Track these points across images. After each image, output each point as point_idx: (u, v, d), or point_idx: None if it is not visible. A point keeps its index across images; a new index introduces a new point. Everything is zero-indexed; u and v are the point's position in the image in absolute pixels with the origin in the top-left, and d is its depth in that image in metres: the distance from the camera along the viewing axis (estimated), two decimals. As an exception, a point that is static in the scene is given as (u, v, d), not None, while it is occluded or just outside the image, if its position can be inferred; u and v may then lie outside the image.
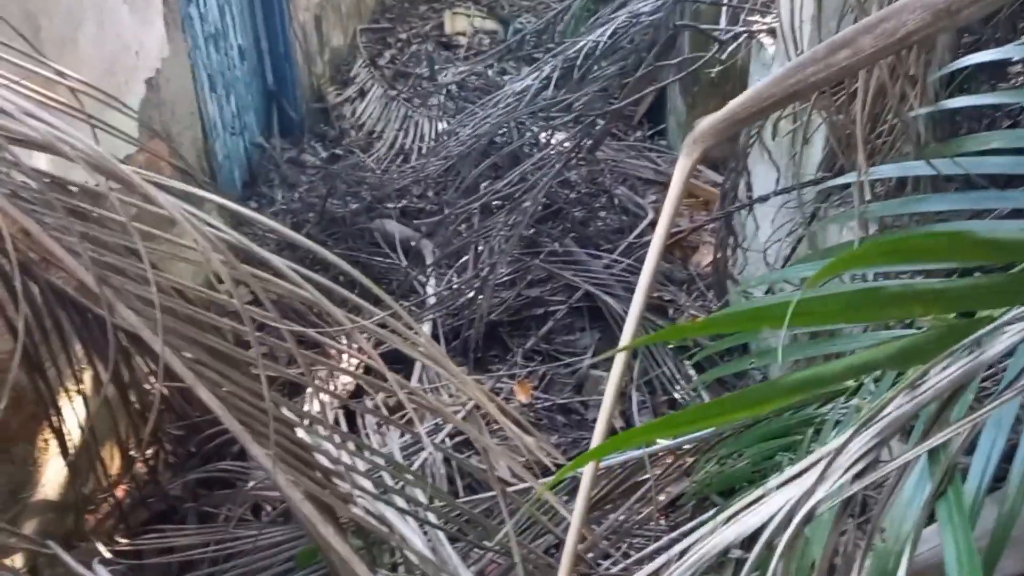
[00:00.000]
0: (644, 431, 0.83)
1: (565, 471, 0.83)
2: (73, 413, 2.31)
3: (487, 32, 6.79)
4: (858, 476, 0.88)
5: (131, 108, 2.83)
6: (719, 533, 0.95)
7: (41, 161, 1.92)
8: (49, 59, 1.56)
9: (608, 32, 3.32)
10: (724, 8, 3.65)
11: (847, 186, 2.48)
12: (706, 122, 1.19)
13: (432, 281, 3.55)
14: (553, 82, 3.20)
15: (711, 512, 1.41)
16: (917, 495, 0.89)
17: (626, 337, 0.96)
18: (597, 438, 0.95)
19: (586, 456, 0.86)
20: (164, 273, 1.79)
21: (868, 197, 1.45)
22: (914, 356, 0.84)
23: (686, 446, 2.07)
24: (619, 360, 0.95)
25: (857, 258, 0.75)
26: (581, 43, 3.38)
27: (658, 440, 2.16)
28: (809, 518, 0.86)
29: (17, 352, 1.55)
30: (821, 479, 0.84)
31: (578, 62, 3.15)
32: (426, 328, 3.14)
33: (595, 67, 3.10)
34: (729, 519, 0.97)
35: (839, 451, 0.83)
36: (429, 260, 3.60)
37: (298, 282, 1.32)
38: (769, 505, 0.93)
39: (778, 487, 0.95)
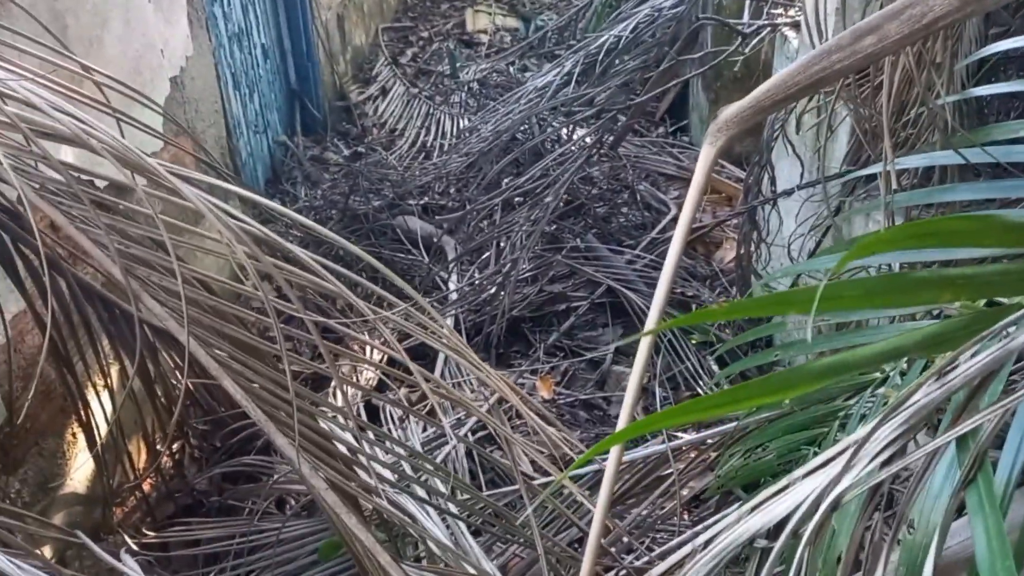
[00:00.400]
0: (670, 414, 0.83)
1: (592, 452, 0.83)
2: (100, 407, 2.34)
3: (508, 30, 6.79)
4: (886, 464, 0.87)
5: (157, 105, 2.86)
6: (745, 522, 0.94)
7: (67, 155, 1.94)
8: (76, 57, 1.57)
9: (630, 27, 3.31)
10: (747, 1, 3.62)
11: (872, 180, 2.46)
12: (730, 110, 1.18)
13: (454, 277, 3.55)
14: (575, 78, 3.19)
15: (737, 506, 1.40)
16: (946, 485, 0.88)
17: (651, 322, 0.95)
18: (623, 421, 0.95)
19: (612, 439, 0.86)
20: (189, 266, 1.81)
21: (894, 188, 1.44)
22: (943, 343, 0.83)
23: (709, 440, 2.07)
24: (644, 344, 0.94)
25: (886, 241, 0.74)
26: (603, 38, 3.37)
27: (681, 435, 2.15)
28: (836, 506, 0.85)
29: (44, 347, 1.56)
30: (849, 466, 0.83)
31: (600, 57, 3.14)
32: (448, 324, 3.14)
33: (617, 62, 3.09)
34: (755, 508, 0.97)
35: (867, 438, 0.82)
36: (451, 256, 3.60)
37: (323, 275, 1.33)
38: (795, 493, 0.92)
39: (804, 476, 0.94)
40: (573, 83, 3.24)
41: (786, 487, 0.96)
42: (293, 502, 2.55)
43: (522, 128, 3.76)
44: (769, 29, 3.43)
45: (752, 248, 3.08)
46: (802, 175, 2.89)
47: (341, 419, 2.19)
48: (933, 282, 0.75)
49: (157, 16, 2.98)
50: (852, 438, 0.90)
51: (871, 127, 1.84)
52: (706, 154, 1.17)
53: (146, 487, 2.57)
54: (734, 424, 1.76)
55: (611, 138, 3.36)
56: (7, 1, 2.10)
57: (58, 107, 1.34)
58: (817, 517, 0.86)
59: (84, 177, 1.66)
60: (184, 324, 1.32)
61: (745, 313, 0.92)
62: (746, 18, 3.61)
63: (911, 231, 0.78)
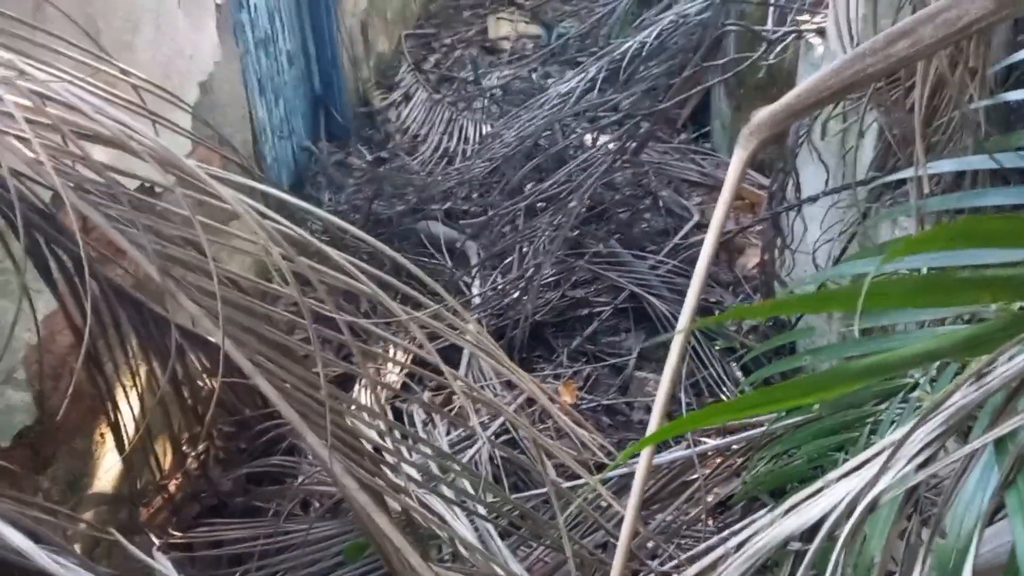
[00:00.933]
0: (705, 415, 0.83)
1: (626, 455, 0.84)
2: (129, 408, 2.37)
3: (530, 37, 6.82)
4: (922, 466, 0.87)
5: (188, 107, 2.90)
6: (779, 524, 0.94)
7: (100, 156, 1.97)
8: (114, 60, 1.60)
9: (654, 33, 3.31)
10: (771, 8, 3.62)
11: (899, 186, 2.45)
12: (763, 113, 1.18)
13: (477, 282, 3.57)
14: (598, 84, 3.19)
15: (765, 510, 1.40)
16: (981, 488, 0.87)
17: (684, 321, 0.95)
18: (655, 421, 0.95)
19: (644, 441, 0.86)
20: (223, 266, 1.83)
21: (924, 193, 1.43)
22: (980, 345, 0.83)
23: (735, 446, 2.06)
24: (677, 343, 0.95)
25: (926, 241, 0.74)
26: (627, 44, 3.38)
27: (707, 440, 2.15)
28: (872, 508, 0.85)
29: (82, 354, 1.59)
30: (885, 468, 0.83)
31: (624, 64, 3.14)
32: (474, 326, 3.15)
33: (641, 68, 3.09)
34: (789, 510, 0.97)
35: (904, 440, 0.82)
36: (474, 261, 3.61)
37: (357, 276, 1.34)
38: (830, 495, 0.92)
39: (839, 478, 0.94)
40: (597, 89, 3.25)
41: (820, 489, 0.96)
42: (318, 504, 2.56)
43: (545, 134, 3.77)
44: (794, 36, 3.43)
45: (776, 254, 3.07)
46: (827, 181, 2.89)
47: (369, 419, 2.21)
48: (974, 283, 0.76)
49: (187, 22, 3.02)
50: (888, 440, 0.90)
51: (900, 132, 1.83)
52: (738, 158, 1.18)
53: (172, 487, 2.59)
54: (761, 429, 1.76)
55: (634, 144, 3.36)
56: (43, 4, 2.14)
57: (99, 109, 1.36)
58: (853, 520, 0.86)
59: (118, 178, 1.68)
60: (219, 325, 1.33)
61: (787, 310, 0.92)
62: (770, 25, 3.61)
63: (947, 232, 0.78)
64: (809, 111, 1.20)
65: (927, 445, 0.84)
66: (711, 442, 2.12)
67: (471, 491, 1.93)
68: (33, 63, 1.41)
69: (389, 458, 1.56)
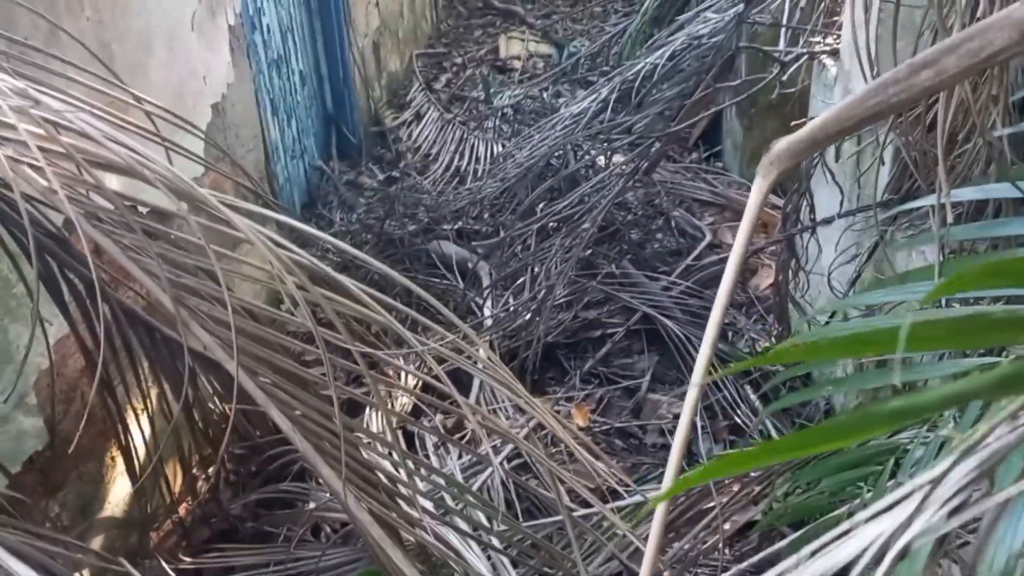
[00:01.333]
0: (733, 461, 0.80)
1: (645, 513, 0.81)
2: (140, 431, 2.35)
3: (541, 56, 6.83)
4: (954, 512, 0.85)
5: (200, 132, 2.90)
6: (805, 568, 0.92)
7: (112, 182, 1.97)
8: (127, 87, 1.60)
9: (666, 54, 3.31)
10: (783, 29, 3.61)
11: (915, 208, 2.43)
12: (784, 143, 1.16)
13: (489, 303, 3.55)
14: (611, 104, 3.19)
15: (784, 542, 1.37)
16: (1008, 533, 0.85)
17: (700, 370, 0.93)
18: (671, 473, 0.92)
19: (663, 495, 0.84)
20: (236, 295, 1.82)
21: (945, 221, 1.41)
22: (1015, 384, 0.80)
23: (753, 474, 2.03)
24: (690, 397, 0.92)
25: (970, 279, 0.72)
26: (639, 65, 3.37)
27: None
28: (904, 554, 0.83)
29: (96, 380, 1.58)
30: (918, 512, 0.80)
31: (636, 84, 3.13)
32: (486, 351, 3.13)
33: (654, 90, 3.09)
34: (814, 553, 0.94)
35: (937, 482, 0.79)
36: (486, 282, 3.60)
37: (371, 305, 1.33)
38: (859, 539, 0.89)
39: (867, 520, 0.91)
40: (609, 110, 3.24)
41: (848, 531, 0.93)
42: (329, 530, 2.54)
43: (557, 154, 3.76)
44: (807, 57, 3.41)
45: (790, 276, 3.05)
46: (842, 203, 2.86)
47: (381, 448, 2.19)
48: (1011, 323, 0.73)
49: (200, 43, 3.03)
50: (919, 481, 0.87)
51: (919, 156, 1.81)
52: (759, 188, 1.16)
53: (182, 511, 2.57)
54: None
55: (646, 164, 3.35)
56: (57, 31, 2.14)
57: (112, 137, 1.35)
58: (885, 565, 0.83)
59: (128, 204, 1.68)
60: (234, 355, 1.32)
61: (821, 356, 0.90)
62: (783, 45, 3.60)
63: (987, 269, 0.76)
64: (831, 141, 1.18)
65: (960, 490, 0.81)
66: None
67: (484, 521, 1.90)
68: (47, 90, 1.41)
69: (403, 489, 1.54)
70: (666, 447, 2.90)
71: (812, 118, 1.65)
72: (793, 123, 2.78)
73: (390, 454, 2.14)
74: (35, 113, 1.27)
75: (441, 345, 1.55)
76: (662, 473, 2.53)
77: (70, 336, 2.16)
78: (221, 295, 1.48)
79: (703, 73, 2.91)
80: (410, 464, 1.86)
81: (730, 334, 3.46)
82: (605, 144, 3.46)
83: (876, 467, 1.37)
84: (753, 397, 2.95)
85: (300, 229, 1.64)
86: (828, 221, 2.88)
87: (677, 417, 2.98)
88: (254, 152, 3.63)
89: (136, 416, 2.39)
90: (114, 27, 2.46)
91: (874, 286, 1.82)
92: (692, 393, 1.01)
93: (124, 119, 1.57)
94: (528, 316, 3.30)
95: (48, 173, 1.22)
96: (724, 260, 3.74)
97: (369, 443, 1.98)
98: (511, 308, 3.35)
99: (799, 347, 0.78)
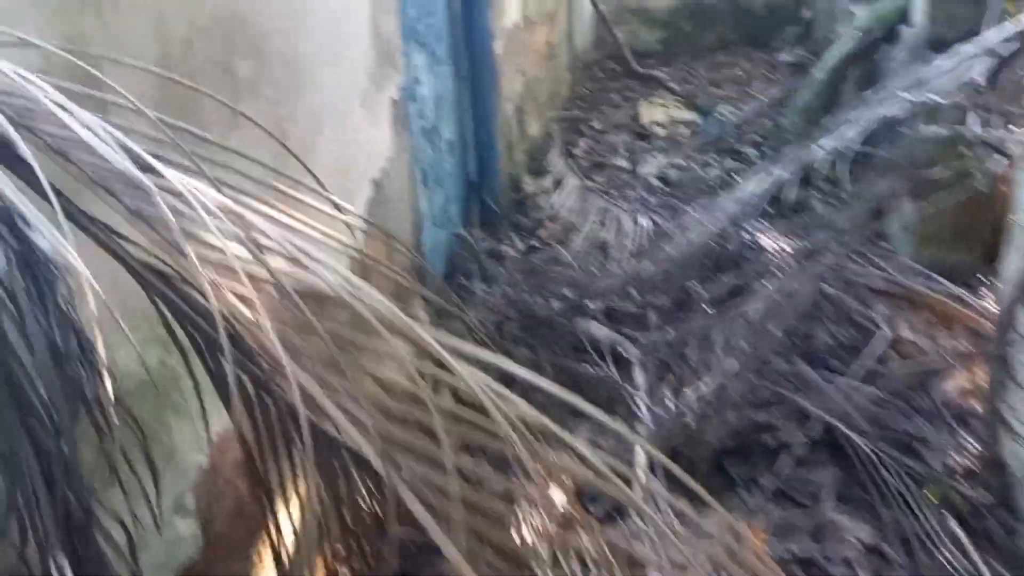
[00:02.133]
0: None
1: None
2: (291, 527, 2.21)
3: (684, 122, 6.61)
4: None
5: (359, 212, 2.81)
6: None
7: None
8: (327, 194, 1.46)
9: (854, 136, 3.03)
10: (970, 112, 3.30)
11: None
12: None
13: (643, 395, 3.30)
14: (794, 192, 2.93)
15: None
16: None
17: None
18: None
19: None
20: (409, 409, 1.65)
21: None
22: None
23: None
24: None
25: None
26: (821, 150, 3.10)
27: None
28: None
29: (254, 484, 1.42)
30: None
31: (823, 170, 2.87)
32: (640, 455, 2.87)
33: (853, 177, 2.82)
34: None
35: None
36: (641, 377, 3.35)
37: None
38: None
39: None
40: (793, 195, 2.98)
41: None
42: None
43: (721, 240, 3.51)
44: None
45: (1001, 394, 2.69)
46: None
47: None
48: None
49: (365, 120, 2.95)
50: None
51: None
52: None
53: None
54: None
55: (826, 255, 3.06)
56: (236, 114, 2.06)
57: (311, 255, 1.20)
58: None
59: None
60: (403, 477, 1.13)
61: None
62: (978, 129, 3.28)
63: None
64: None
65: None
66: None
67: None
68: (245, 199, 1.28)
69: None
70: (855, 584, 2.55)
71: None
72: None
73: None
74: (239, 232, 1.13)
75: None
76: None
77: (226, 432, 2.05)
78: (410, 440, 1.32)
79: (917, 167, 2.62)
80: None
81: (916, 445, 3.10)
82: (794, 236, 3.19)
83: None
84: (959, 531, 2.58)
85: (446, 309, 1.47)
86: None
87: (866, 547, 2.64)
88: (405, 224, 3.53)
89: (288, 511, 2.25)
90: (288, 107, 2.38)
91: None
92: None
93: (316, 226, 1.43)
94: (690, 417, 3.02)
95: (258, 307, 1.07)
96: (913, 363, 3.38)
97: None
98: (675, 409, 3.08)
99: None
